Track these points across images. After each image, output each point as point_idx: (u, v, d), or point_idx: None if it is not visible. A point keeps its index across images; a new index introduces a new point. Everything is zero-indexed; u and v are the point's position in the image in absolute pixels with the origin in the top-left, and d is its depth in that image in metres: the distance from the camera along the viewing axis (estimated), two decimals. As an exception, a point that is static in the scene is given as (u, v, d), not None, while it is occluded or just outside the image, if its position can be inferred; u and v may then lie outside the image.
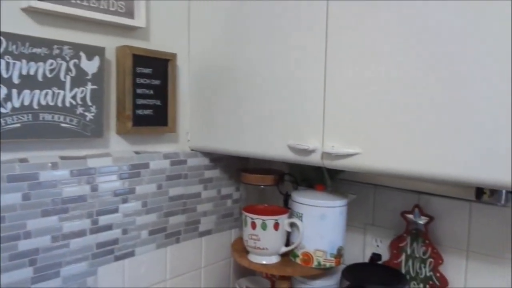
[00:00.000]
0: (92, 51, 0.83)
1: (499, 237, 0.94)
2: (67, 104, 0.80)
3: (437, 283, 0.99)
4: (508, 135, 0.62)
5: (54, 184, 0.81)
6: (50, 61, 0.77)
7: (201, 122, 1.05)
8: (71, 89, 0.80)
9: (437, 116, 0.67)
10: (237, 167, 1.20)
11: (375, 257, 1.02)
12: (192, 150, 1.08)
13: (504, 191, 0.90)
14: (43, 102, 0.76)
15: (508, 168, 0.62)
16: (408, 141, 0.70)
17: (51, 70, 0.77)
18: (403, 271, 1.03)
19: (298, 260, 0.95)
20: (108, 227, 0.90)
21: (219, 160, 1.15)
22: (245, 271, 1.24)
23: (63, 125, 0.79)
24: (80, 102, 0.81)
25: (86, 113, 0.83)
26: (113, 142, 0.92)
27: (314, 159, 0.83)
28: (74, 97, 0.80)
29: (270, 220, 0.92)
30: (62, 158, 0.82)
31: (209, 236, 1.14)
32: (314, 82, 0.82)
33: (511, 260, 0.93)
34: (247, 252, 1.00)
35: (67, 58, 0.79)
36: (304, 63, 0.83)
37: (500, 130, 0.62)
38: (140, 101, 0.93)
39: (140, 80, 0.92)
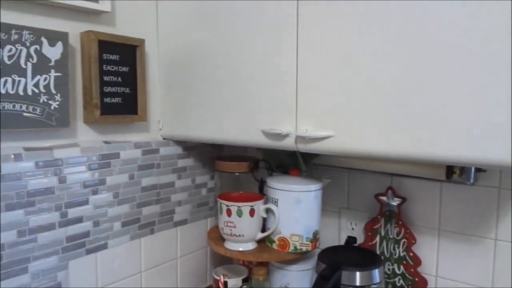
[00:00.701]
0: (55, 37, 0.79)
1: (469, 215, 0.97)
2: (29, 92, 0.76)
3: (411, 262, 1.01)
4: (486, 112, 0.63)
5: (18, 177, 0.77)
6: (8, 46, 0.72)
7: (173, 110, 1.02)
8: (33, 77, 0.76)
9: (409, 95, 0.68)
10: (211, 155, 1.18)
11: (351, 240, 1.03)
12: (164, 139, 1.06)
13: (473, 170, 0.92)
14: (2, 90, 0.72)
15: (481, 146, 0.63)
16: (382, 122, 0.71)
17: (10, 57, 0.73)
18: (378, 252, 1.05)
19: (274, 246, 0.95)
20: (78, 220, 0.87)
21: (192, 148, 1.13)
22: (222, 260, 1.23)
23: (25, 114, 0.76)
24: (43, 90, 0.78)
25: (51, 102, 0.79)
26: (81, 132, 0.89)
27: (288, 144, 0.82)
28: (36, 85, 0.77)
29: (245, 207, 0.92)
30: (26, 149, 0.79)
31: (185, 226, 1.13)
32: (286, 66, 0.81)
33: (479, 237, 0.96)
34: (223, 240, 1.00)
35: (27, 44, 0.75)
36: (276, 46, 0.82)
37: (472, 109, 0.63)
38: (108, 89, 0.89)
39: (107, 67, 0.89)
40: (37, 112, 0.77)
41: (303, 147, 0.81)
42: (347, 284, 0.85)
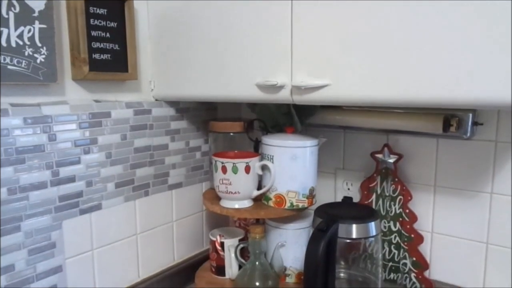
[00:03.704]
0: (38, -14, 0.75)
1: (465, 170, 0.97)
2: (13, 44, 0.73)
3: (407, 219, 1.02)
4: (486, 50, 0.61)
5: (5, 133, 0.75)
6: (-11, -5, 0.69)
7: (164, 69, 1.00)
8: (16, 27, 0.73)
9: (406, 38, 0.66)
10: (204, 118, 1.16)
11: (347, 200, 1.03)
12: (156, 100, 1.04)
13: (469, 123, 0.91)
14: (-16, 41, 0.69)
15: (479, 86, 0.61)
16: (379, 68, 0.69)
17: (-9, 5, 0.69)
18: (374, 209, 1.05)
19: (271, 203, 0.95)
20: (71, 179, 0.86)
21: (185, 111, 1.11)
22: (218, 224, 1.23)
23: (10, 67, 0.73)
24: (28, 43, 0.74)
25: (36, 55, 0.76)
26: (70, 89, 0.86)
27: (283, 96, 0.80)
28: (20, 37, 0.73)
29: (241, 163, 0.90)
30: (13, 105, 0.76)
31: (179, 189, 1.12)
32: (280, 16, 0.78)
33: (475, 192, 0.96)
34: (219, 199, 0.99)
35: (9, -7, 0.71)
36: (269, -5, 0.79)
37: (472, 47, 0.61)
38: (96, 45, 0.86)
39: (95, 22, 0.86)
40: (23, 66, 0.74)
41: (298, 99, 0.79)
42: (344, 236, 0.84)
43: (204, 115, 1.17)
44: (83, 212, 0.89)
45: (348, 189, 1.14)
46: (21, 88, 0.78)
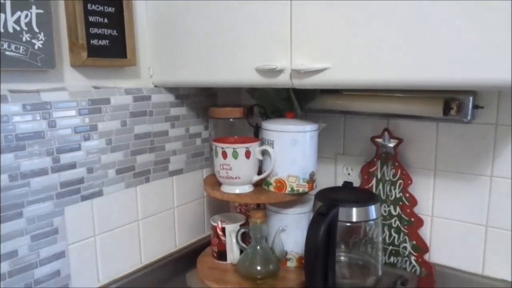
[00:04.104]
0: (34, -29, 0.74)
1: (465, 154, 0.97)
2: (10, 30, 0.72)
3: (407, 203, 1.02)
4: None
5: (5, 120, 0.75)
6: (-16, -21, 0.68)
7: (163, 55, 0.99)
8: (12, 13, 0.72)
9: (407, 19, 0.65)
10: (204, 104, 1.16)
11: (347, 185, 1.03)
12: (155, 86, 1.03)
13: (470, 107, 0.91)
14: (-19, 27, 0.69)
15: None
16: (379, 50, 0.68)
17: (-13, -10, 0.69)
18: (374, 193, 1.05)
19: (271, 188, 0.95)
20: (71, 166, 0.86)
21: (185, 97, 1.10)
22: (219, 210, 1.23)
23: (8, 53, 0.72)
24: (25, 28, 0.74)
25: (34, 41, 0.75)
26: (69, 76, 0.86)
27: (283, 80, 0.80)
28: (17, 22, 0.73)
29: (241, 148, 0.90)
30: (12, 91, 0.76)
31: (180, 175, 1.12)
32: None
33: (475, 175, 0.96)
34: (220, 185, 0.99)
35: (5, -23, 0.71)
36: (268, -22, 0.79)
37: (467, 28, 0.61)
38: (94, 30, 0.86)
39: (92, 7, 0.85)
40: (20, 51, 0.74)
41: (298, 83, 0.79)
42: (344, 220, 0.85)
43: (204, 101, 1.16)
44: (84, 198, 0.89)
45: (349, 174, 1.14)
46: (20, 75, 0.77)
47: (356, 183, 1.10)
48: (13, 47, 0.73)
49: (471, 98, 0.89)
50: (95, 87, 0.90)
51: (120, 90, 0.94)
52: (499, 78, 0.59)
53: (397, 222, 1.04)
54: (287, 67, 0.78)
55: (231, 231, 1.03)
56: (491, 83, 0.61)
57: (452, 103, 0.89)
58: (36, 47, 0.76)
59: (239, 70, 0.86)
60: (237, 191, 0.94)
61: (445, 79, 0.63)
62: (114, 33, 0.90)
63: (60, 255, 0.85)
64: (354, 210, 0.84)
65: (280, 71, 0.79)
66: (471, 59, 0.60)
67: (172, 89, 1.06)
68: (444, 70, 0.63)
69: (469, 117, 0.92)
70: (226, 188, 0.96)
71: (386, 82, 0.69)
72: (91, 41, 0.85)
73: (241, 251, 1.02)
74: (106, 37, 0.88)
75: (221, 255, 1.06)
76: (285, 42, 0.78)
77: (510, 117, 0.90)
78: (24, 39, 0.74)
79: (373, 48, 0.69)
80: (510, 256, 0.93)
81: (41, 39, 0.76)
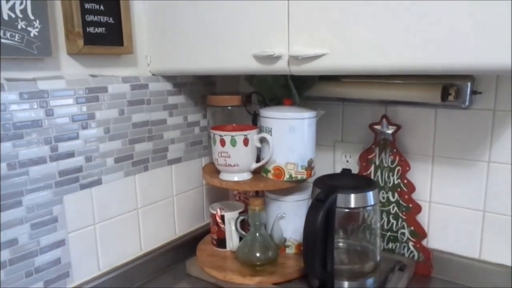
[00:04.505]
0: (28, -43, 0.73)
1: (463, 140, 0.97)
2: (5, 17, 0.71)
3: (405, 189, 1.02)
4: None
5: (2, 108, 0.74)
6: (-22, -34, 0.67)
7: (160, 42, 0.98)
8: (7, 0, 0.71)
9: (404, 3, 0.65)
10: (202, 93, 1.16)
11: (345, 172, 1.03)
12: (153, 74, 1.03)
13: (468, 93, 0.91)
14: (-24, 14, 0.68)
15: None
16: (377, 35, 0.68)
17: (-19, -23, 0.68)
18: (373, 180, 1.05)
19: (270, 175, 0.95)
20: (70, 155, 0.86)
21: (183, 85, 1.10)
22: (218, 198, 1.24)
23: (3, 41, 0.72)
24: (20, 15, 0.73)
25: (29, 28, 0.75)
26: (65, 64, 0.85)
27: (281, 66, 0.80)
28: (12, 9, 0.72)
29: (239, 136, 0.91)
30: (8, 80, 0.75)
31: (179, 164, 1.12)
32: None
33: (473, 161, 0.96)
34: (218, 173, 0.99)
35: (-1, -36, 0.70)
36: (265, -37, 0.78)
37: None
38: (90, 18, 0.85)
39: (87, -6, 0.84)
40: (16, 39, 0.73)
41: (296, 69, 0.78)
42: (342, 206, 0.85)
43: (202, 89, 1.16)
44: (83, 187, 0.89)
45: (347, 161, 1.15)
46: (16, 63, 0.77)
47: (355, 170, 1.11)
48: (8, 34, 0.72)
49: (469, 84, 0.89)
50: (92, 76, 0.89)
51: (118, 78, 0.94)
52: (499, 61, 0.59)
53: (395, 208, 1.04)
54: (285, 53, 0.78)
55: (230, 219, 1.04)
56: (490, 67, 0.61)
57: (450, 89, 0.89)
58: (31, 34, 0.75)
59: (236, 57, 0.85)
60: (236, 179, 0.94)
61: (444, 63, 0.63)
62: (111, 20, 0.89)
63: (60, 243, 0.86)
64: (352, 196, 0.85)
65: (278, 58, 0.79)
66: (470, 43, 0.60)
67: (170, 78, 1.06)
68: (442, 54, 0.63)
69: (467, 103, 0.92)
70: (224, 176, 0.96)
71: (384, 67, 0.69)
72: (87, 29, 0.84)
73: (240, 238, 1.02)
74: (103, 25, 0.88)
75: (221, 242, 1.07)
76: (282, 29, 0.77)
77: (510, 103, 0.90)
78: (19, 27, 0.73)
79: (370, 33, 0.68)
80: (508, 240, 0.94)
81: (37, 27, 0.76)
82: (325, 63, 0.74)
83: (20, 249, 0.79)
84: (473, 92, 0.91)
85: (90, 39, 0.85)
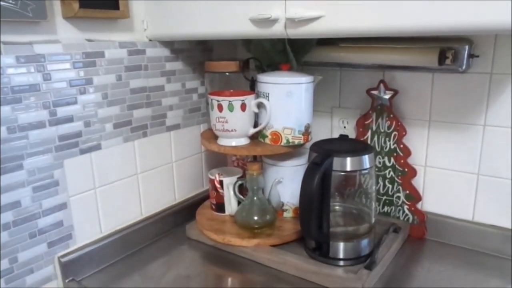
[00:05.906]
0: None
1: (459, 104, 0.97)
2: (-1, -22, 0.71)
3: (401, 154, 1.04)
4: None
5: (1, 72, 0.74)
6: None
7: (156, 8, 0.97)
8: (0, -40, 0.70)
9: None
10: (200, 60, 1.15)
11: (342, 137, 1.04)
12: (150, 40, 1.02)
13: (465, 56, 0.91)
14: (-31, -25, 0.67)
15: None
16: (372, -5, 0.67)
17: None
18: (369, 145, 1.06)
19: (267, 140, 0.96)
20: (69, 119, 0.87)
21: (180, 51, 1.09)
22: (217, 165, 1.25)
23: (-2, 3, 0.71)
24: (13, -23, 0.72)
25: (23, -9, 0.74)
26: (61, 28, 0.84)
27: (277, 30, 0.79)
28: (5, -30, 0.71)
29: (236, 101, 0.91)
30: (4, 43, 0.75)
31: (178, 130, 1.13)
32: None
33: (469, 124, 0.97)
34: (216, 139, 1.00)
35: None
36: None
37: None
38: (84, -20, 0.84)
39: (81, -45, 0.83)
40: (11, 1, 0.73)
41: (293, 32, 0.78)
42: (338, 169, 0.87)
43: (200, 56, 1.15)
44: (83, 151, 0.90)
45: (344, 127, 1.16)
46: (11, 26, 0.76)
47: (352, 136, 1.12)
48: (2, -4, 0.71)
49: (466, 47, 0.89)
50: (89, 40, 0.89)
51: (114, 43, 0.93)
52: (498, 21, 0.59)
53: (391, 173, 1.06)
54: (282, 16, 0.77)
55: (229, 184, 1.06)
56: (489, 27, 0.61)
57: (448, 52, 0.89)
58: (26, -3, 0.74)
59: (233, 21, 0.84)
60: (234, 144, 0.95)
61: (441, 23, 0.63)
62: (106, -17, 0.88)
63: (62, 206, 0.88)
64: (349, 159, 0.86)
65: (275, 21, 0.78)
66: (469, 1, 0.60)
67: (167, 43, 1.05)
68: (440, 14, 0.62)
69: (464, 67, 0.92)
70: (222, 141, 0.97)
71: (380, 29, 0.69)
72: (82, -8, 0.83)
73: (239, 203, 1.05)
74: (97, -12, 0.86)
75: (219, 207, 1.09)
76: (279, -10, 0.76)
77: (506, 65, 0.89)
78: (13, -11, 0.73)
79: (368, -7, 0.67)
80: (501, 202, 0.96)
81: (31, -11, 0.75)
82: (322, 26, 0.73)
83: (23, 211, 0.81)
84: (471, 56, 0.91)
85: (86, 2, 0.84)
